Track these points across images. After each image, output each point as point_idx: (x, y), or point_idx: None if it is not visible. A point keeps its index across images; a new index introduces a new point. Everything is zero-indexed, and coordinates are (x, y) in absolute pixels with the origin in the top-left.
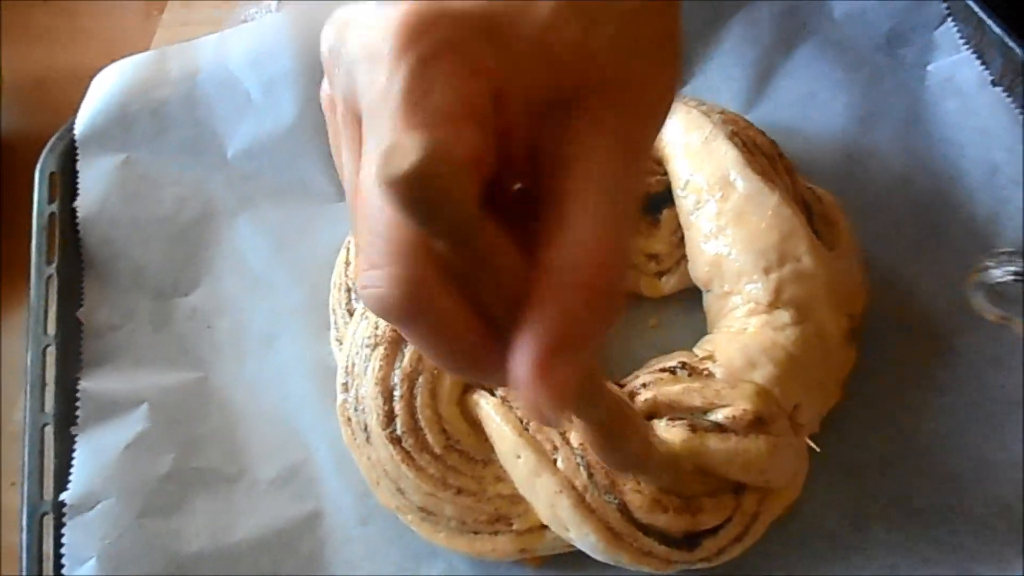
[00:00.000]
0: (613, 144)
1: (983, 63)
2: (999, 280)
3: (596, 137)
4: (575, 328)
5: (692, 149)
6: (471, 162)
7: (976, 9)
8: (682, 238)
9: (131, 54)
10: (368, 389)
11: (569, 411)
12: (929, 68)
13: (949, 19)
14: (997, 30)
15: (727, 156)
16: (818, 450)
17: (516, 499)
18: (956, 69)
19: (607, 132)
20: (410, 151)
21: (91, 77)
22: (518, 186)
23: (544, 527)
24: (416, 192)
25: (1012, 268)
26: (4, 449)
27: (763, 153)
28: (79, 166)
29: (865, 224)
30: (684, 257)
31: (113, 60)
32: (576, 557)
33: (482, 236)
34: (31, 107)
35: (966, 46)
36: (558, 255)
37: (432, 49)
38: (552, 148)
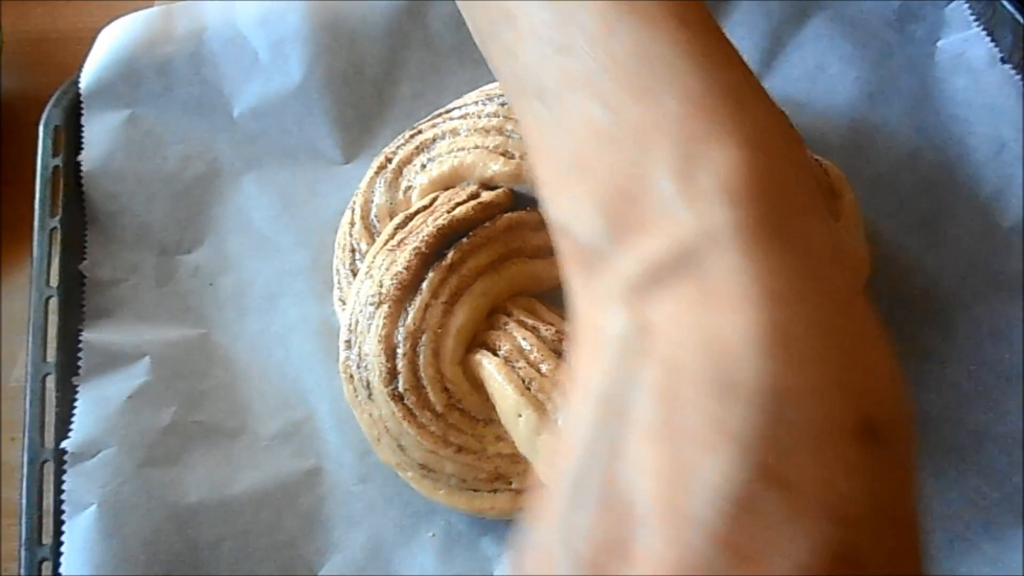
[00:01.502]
0: None
1: (993, 40)
2: None
3: None
4: None
5: None
6: None
7: None
8: None
9: None
10: (371, 346)
11: None
12: (939, 44)
13: None
14: (1008, 7)
15: None
16: None
17: (516, 458)
18: (966, 46)
19: None
20: None
21: (92, 38)
22: None
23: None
24: None
25: None
26: (4, 406)
27: None
28: (84, 120)
29: (871, 199)
30: None
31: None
32: None
33: None
34: (31, 66)
35: (976, 23)
36: None
37: None
38: None
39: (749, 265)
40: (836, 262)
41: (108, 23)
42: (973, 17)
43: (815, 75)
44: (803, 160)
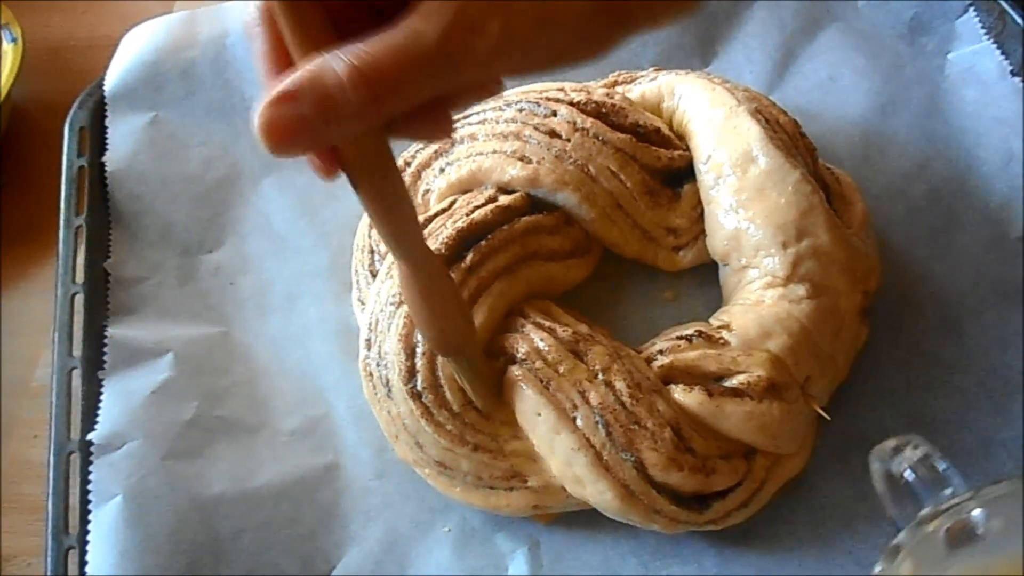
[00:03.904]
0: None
1: (1003, 53)
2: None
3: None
4: (317, 87)
5: (715, 124)
6: None
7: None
8: (701, 213)
9: None
10: (391, 345)
11: (285, 147)
12: (949, 57)
13: (971, 9)
14: (1019, 21)
15: (750, 132)
16: (828, 417)
17: (531, 457)
18: (976, 59)
19: None
20: None
21: (110, 45)
22: None
23: (558, 485)
24: None
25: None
26: (27, 405)
27: (785, 132)
28: (108, 123)
29: (882, 208)
30: (702, 232)
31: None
32: (585, 515)
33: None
34: (52, 73)
35: (987, 36)
36: (355, 42)
37: None
38: None
39: None
40: None
41: (126, 31)
42: (983, 30)
43: (827, 86)
44: None
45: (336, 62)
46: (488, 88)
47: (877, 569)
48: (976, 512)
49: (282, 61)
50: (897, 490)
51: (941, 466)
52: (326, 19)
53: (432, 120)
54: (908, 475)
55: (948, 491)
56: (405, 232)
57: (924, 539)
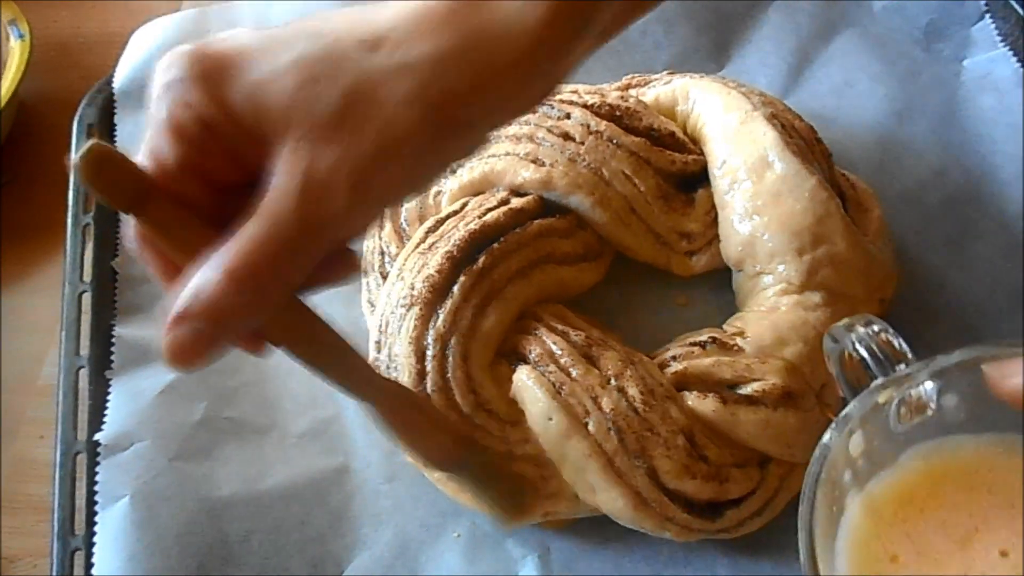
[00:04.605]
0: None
1: (1019, 60)
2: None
3: (280, 176)
4: (203, 303)
5: (730, 129)
6: (153, 157)
7: (1015, 6)
8: (715, 218)
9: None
10: (402, 347)
11: (194, 364)
12: (965, 63)
13: (987, 16)
14: None
15: (766, 137)
16: None
17: (541, 461)
18: (992, 65)
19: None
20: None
21: (117, 42)
22: None
23: (569, 491)
24: (85, 174)
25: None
26: (34, 404)
27: (801, 137)
28: (117, 119)
29: (897, 215)
30: (716, 237)
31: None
32: (596, 521)
33: (156, 209)
34: (59, 71)
35: (1003, 43)
36: (223, 242)
37: (169, 79)
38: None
39: None
40: None
41: (135, 28)
42: (1000, 37)
43: (842, 91)
44: None
45: (212, 273)
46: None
47: (826, 438)
48: (928, 385)
49: (173, 269)
50: (852, 370)
51: (895, 342)
52: (190, 219)
53: (333, 267)
54: (862, 351)
55: (903, 366)
56: (352, 375)
57: (875, 411)
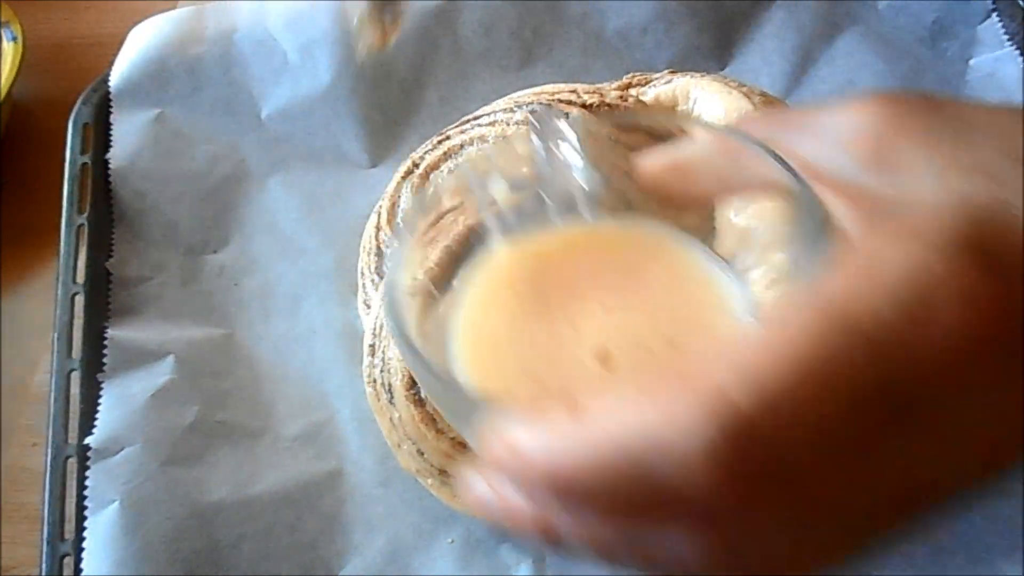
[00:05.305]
0: None
1: None
2: None
3: None
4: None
5: None
6: None
7: (1023, 5)
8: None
9: None
10: (395, 351)
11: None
12: (971, 63)
13: (994, 14)
14: None
15: None
16: None
17: None
18: (998, 65)
19: None
20: None
21: (112, 43)
22: None
23: None
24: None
25: None
26: (28, 411)
27: None
28: (113, 119)
29: None
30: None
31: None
32: None
33: None
34: (53, 71)
35: (1009, 42)
36: None
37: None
38: None
39: None
40: None
41: (129, 28)
42: (1006, 36)
43: (846, 90)
44: None
45: None
46: None
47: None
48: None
49: None
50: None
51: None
52: None
53: None
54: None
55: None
56: None
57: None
